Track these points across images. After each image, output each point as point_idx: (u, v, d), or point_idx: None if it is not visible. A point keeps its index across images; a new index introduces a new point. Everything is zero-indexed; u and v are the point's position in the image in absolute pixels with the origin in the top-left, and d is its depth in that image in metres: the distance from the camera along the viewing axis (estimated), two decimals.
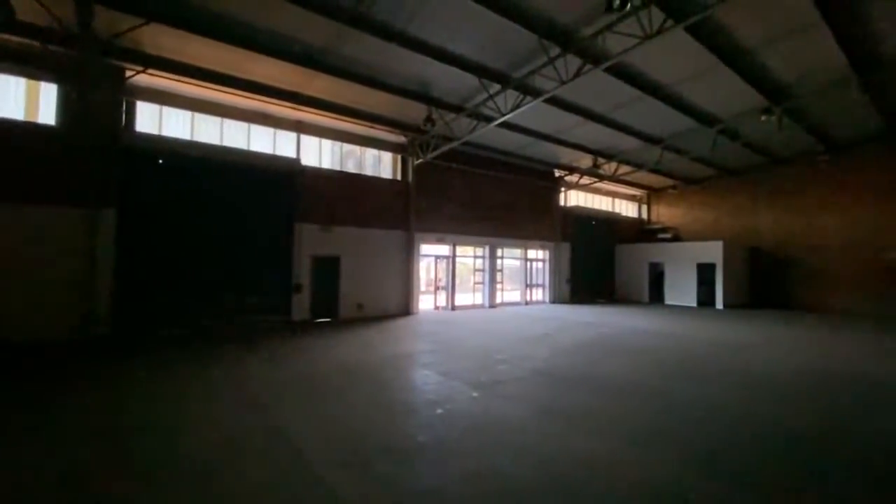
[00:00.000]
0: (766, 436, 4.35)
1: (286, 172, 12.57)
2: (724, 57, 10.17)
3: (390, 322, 12.65)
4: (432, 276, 17.07)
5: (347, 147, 14.32)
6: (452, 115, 12.42)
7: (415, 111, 12.51)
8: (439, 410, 5.03)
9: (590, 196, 22.73)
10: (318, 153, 13.72)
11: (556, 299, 19.56)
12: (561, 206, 20.49)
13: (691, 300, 18.92)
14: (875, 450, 4.08)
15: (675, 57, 10.17)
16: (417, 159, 14.70)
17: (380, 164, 15.08)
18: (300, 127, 13.24)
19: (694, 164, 18.99)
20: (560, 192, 20.43)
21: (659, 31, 7.71)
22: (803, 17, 8.65)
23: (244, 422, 4.56)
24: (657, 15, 7.90)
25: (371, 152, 14.88)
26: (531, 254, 19.49)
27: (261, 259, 12.14)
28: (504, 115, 11.16)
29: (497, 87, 10.91)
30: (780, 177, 19.38)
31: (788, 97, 12.45)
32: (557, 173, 19.97)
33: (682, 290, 19.33)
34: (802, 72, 11.14)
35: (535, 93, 10.80)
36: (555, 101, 12.34)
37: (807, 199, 18.68)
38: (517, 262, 19.43)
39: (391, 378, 6.52)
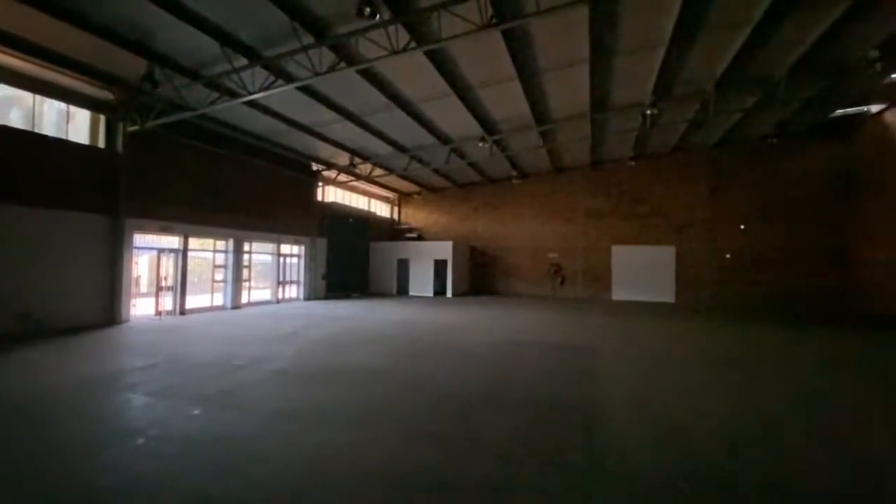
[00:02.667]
0: (459, 398, 5.38)
1: None
2: (455, 87, 12.11)
3: (85, 336, 9.61)
4: (160, 273, 13.91)
5: (9, 91, 10.05)
6: (185, 81, 10.42)
7: (130, 63, 9.85)
8: (140, 440, 4.07)
9: (347, 194, 23.27)
10: None
11: (312, 296, 19.17)
12: (319, 202, 20.20)
13: (429, 291, 21.91)
14: (535, 400, 5.62)
15: (420, 78, 11.46)
16: (133, 125, 11.65)
17: (68, 123, 11.21)
18: None
19: (434, 174, 21.99)
20: (318, 187, 20.10)
21: (403, 49, 8.48)
22: (504, 71, 11.14)
23: None
24: (403, 34, 8.70)
25: (55, 106, 10.90)
26: (285, 249, 18.46)
27: None
28: (252, 93, 10.12)
29: (244, 61, 9.78)
30: (490, 192, 24.61)
31: (497, 131, 15.89)
32: (316, 167, 19.58)
33: (422, 283, 22.13)
34: (504, 114, 14.41)
35: (287, 78, 10.22)
36: (312, 93, 12.03)
37: (505, 211, 24.37)
38: (269, 258, 18.05)
39: (76, 409, 4.91)
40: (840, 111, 16.19)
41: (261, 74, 10.14)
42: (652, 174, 21.21)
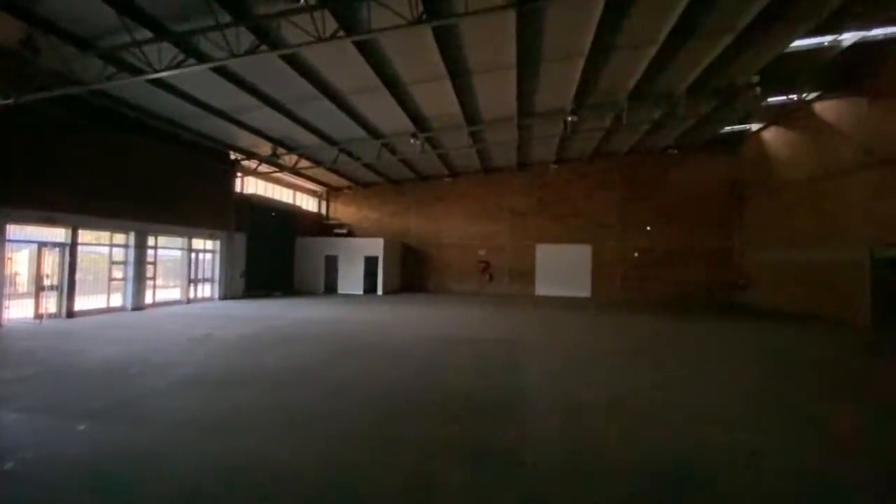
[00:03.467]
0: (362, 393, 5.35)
1: None
2: (386, 82, 11.91)
3: None
4: (41, 271, 12.06)
5: None
6: (74, 51, 9.12)
7: (4, 26, 8.41)
8: (9, 465, 3.51)
9: (270, 186, 21.97)
10: None
11: (229, 295, 17.85)
12: (238, 193, 18.85)
13: (359, 289, 21.43)
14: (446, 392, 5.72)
15: (349, 69, 11.11)
16: (6, 99, 9.95)
17: None
18: None
19: (365, 169, 21.52)
20: (237, 177, 18.74)
21: (331, 38, 8.16)
22: (435, 69, 11.17)
23: None
24: (331, 22, 8.36)
25: None
26: (198, 244, 16.98)
27: None
28: (157, 71, 9.12)
29: (148, 34, 8.78)
30: (423, 190, 24.65)
31: (428, 129, 15.93)
32: (235, 156, 18.21)
33: (352, 280, 21.59)
34: (436, 112, 14.49)
35: (200, 57, 9.37)
36: (230, 76, 11.14)
37: (437, 208, 24.58)
38: (178, 254, 16.49)
39: None
40: (728, 128, 18.46)
41: (169, 51, 9.18)
42: (572, 178, 22.59)
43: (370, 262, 21.61)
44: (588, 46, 10.45)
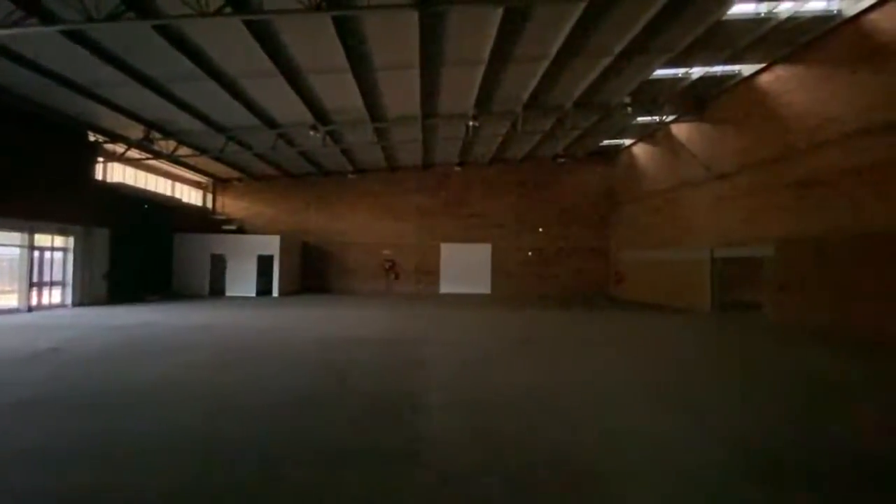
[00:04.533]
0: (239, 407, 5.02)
1: None
2: (282, 68, 11.16)
3: None
4: None
5: None
6: None
7: None
8: None
9: (142, 174, 19.22)
10: None
11: (86, 300, 15.16)
12: (99, 182, 16.15)
13: (251, 290, 19.78)
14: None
15: (239, 51, 10.18)
16: None
17: None
18: None
19: (258, 160, 19.95)
20: (98, 163, 16.04)
21: (215, 13, 7.40)
22: (336, 61, 10.76)
23: None
24: None
25: None
26: (43, 240, 14.15)
27: None
28: None
29: None
30: (325, 185, 23.65)
31: (330, 122, 15.32)
32: (95, 138, 15.55)
33: (243, 281, 19.83)
34: (338, 105, 13.99)
35: (48, 17, 7.83)
36: (90, 44, 9.43)
37: (341, 205, 23.80)
38: (16, 252, 13.59)
39: None
40: (606, 141, 20.78)
41: (5, 7, 7.51)
42: (474, 180, 23.53)
43: (264, 262, 20.07)
44: (488, 55, 10.95)
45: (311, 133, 15.24)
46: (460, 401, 5.29)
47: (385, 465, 3.52)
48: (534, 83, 12.95)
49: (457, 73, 12.34)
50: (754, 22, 10.42)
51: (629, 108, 14.56)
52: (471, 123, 15.07)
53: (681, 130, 16.79)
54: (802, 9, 10.06)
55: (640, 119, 16.88)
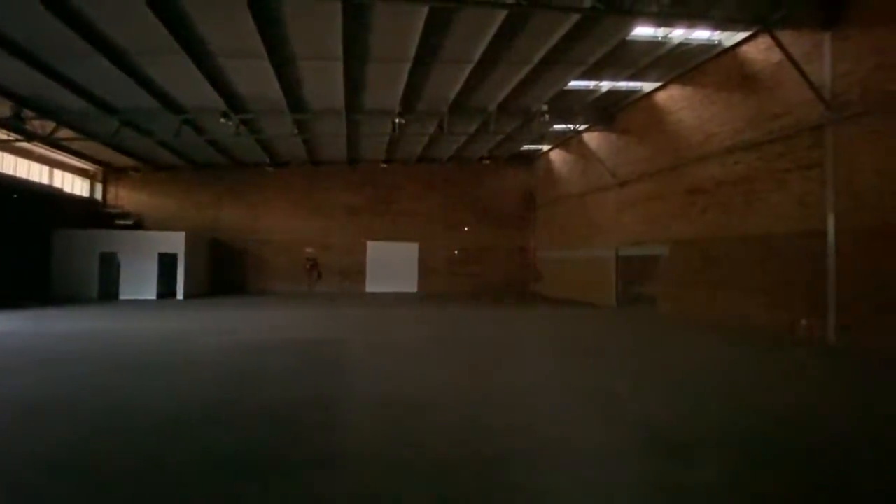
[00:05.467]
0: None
1: None
2: (187, 47, 10.16)
3: None
4: None
5: None
6: None
7: None
8: None
9: (11, 159, 16.40)
10: None
11: None
12: None
13: (151, 293, 17.78)
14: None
15: (133, 23, 9.08)
16: None
17: None
18: None
19: (160, 147, 18.03)
20: None
21: None
22: (251, 44, 10.03)
23: None
24: None
25: None
26: None
27: None
28: None
29: None
30: (239, 178, 22.03)
31: (244, 110, 14.29)
32: None
33: (141, 283, 17.74)
34: (253, 92, 13.10)
35: None
36: None
37: (257, 201, 22.35)
38: None
39: None
40: (527, 146, 21.82)
41: None
42: (402, 178, 23.41)
43: (167, 261, 18.15)
44: (413, 53, 10.94)
45: (223, 121, 14.09)
46: (375, 405, 5.22)
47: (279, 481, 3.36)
48: (459, 85, 13.18)
49: (383, 70, 12.17)
50: (653, 44, 11.58)
51: (547, 116, 15.42)
52: (397, 121, 14.96)
53: (592, 139, 18.15)
54: (691, 37, 11.39)
55: (556, 126, 17.96)
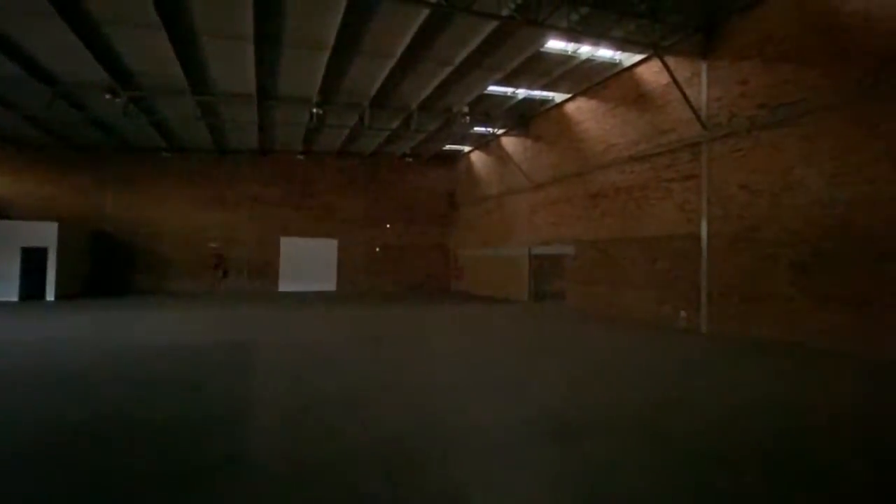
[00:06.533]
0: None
1: None
2: (62, 9, 8.78)
3: None
4: None
5: None
6: None
7: None
8: None
9: None
10: None
11: None
12: None
13: (12, 293, 15.11)
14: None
15: None
16: None
17: None
18: None
19: (28, 124, 15.38)
20: None
21: None
22: (142, 12, 8.96)
23: None
24: None
25: None
26: None
27: None
28: None
29: None
30: (129, 163, 19.59)
31: (136, 87, 12.72)
32: None
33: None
34: (146, 68, 11.72)
35: None
36: None
37: (151, 189, 20.05)
38: None
39: None
40: (448, 146, 22.18)
41: None
42: (321, 171, 22.48)
43: (34, 256, 15.54)
44: (332, 42, 10.55)
45: (108, 97, 12.41)
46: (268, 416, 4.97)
47: None
48: (380, 80, 12.99)
49: (299, 56, 11.57)
50: (563, 58, 12.41)
51: (467, 118, 15.82)
52: (315, 111, 14.34)
53: (509, 143, 18.98)
54: (596, 54, 12.40)
55: (477, 129, 18.50)
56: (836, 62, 7.93)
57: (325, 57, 11.36)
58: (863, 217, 7.51)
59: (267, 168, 21.58)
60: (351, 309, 15.09)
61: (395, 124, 17.14)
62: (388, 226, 23.69)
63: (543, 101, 16.02)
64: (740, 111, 9.56)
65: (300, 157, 21.47)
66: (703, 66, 10.36)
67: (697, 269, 10.26)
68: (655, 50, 10.25)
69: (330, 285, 22.47)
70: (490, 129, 18.49)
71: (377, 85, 13.37)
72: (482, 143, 20.95)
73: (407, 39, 10.63)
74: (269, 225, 21.65)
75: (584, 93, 14.40)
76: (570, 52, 12.18)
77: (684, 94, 10.24)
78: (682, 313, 10.63)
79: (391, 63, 11.88)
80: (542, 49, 11.54)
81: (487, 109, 16.30)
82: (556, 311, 14.66)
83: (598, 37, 10.17)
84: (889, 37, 7.25)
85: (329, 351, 8.06)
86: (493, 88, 14.40)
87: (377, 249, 23.51)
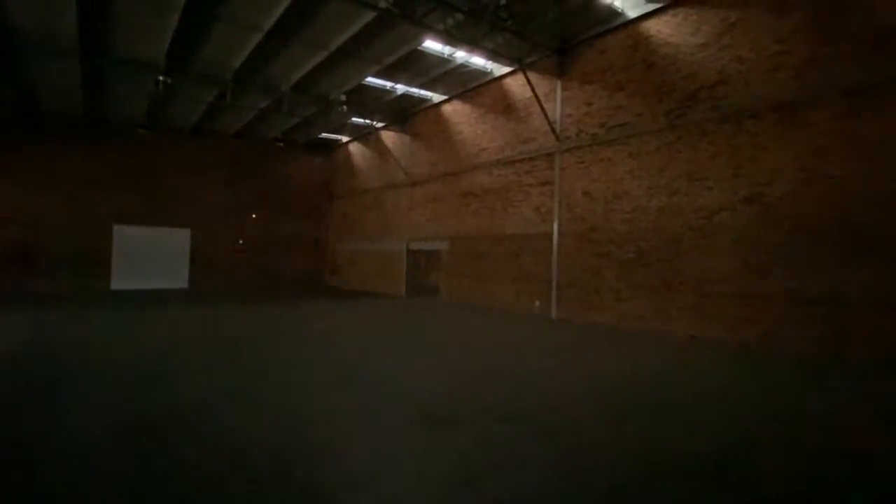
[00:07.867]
0: None
1: None
2: None
3: None
4: None
5: None
6: None
7: None
8: None
9: None
10: None
11: None
12: None
13: None
14: None
15: None
16: None
17: None
18: None
19: None
20: None
21: None
22: None
23: None
24: None
25: None
26: None
27: None
28: None
29: None
30: None
31: None
32: None
33: None
34: None
35: None
36: None
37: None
38: None
39: None
40: (325, 134, 21.21)
41: None
42: (170, 150, 19.48)
43: None
44: (182, 2, 9.21)
45: None
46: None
47: None
48: (245, 53, 11.77)
49: (141, 12, 9.83)
50: (441, 60, 12.82)
51: (345, 107, 15.31)
52: (162, 79, 12.38)
53: (389, 137, 18.94)
54: (470, 61, 13.08)
55: (355, 119, 18.03)
56: (654, 95, 9.68)
57: (174, 17, 9.86)
58: (668, 222, 9.32)
59: (98, 142, 17.88)
60: (195, 309, 13.45)
61: (263, 104, 15.75)
62: (253, 216, 21.66)
63: (423, 100, 16.35)
64: (585, 128, 11.04)
65: (142, 131, 18.33)
66: (559, 85, 11.70)
67: (549, 264, 11.59)
68: (520, 64, 11.23)
69: (181, 282, 19.69)
70: (369, 122, 18.19)
71: (241, 58, 12.09)
72: (362, 134, 20.51)
73: (276, 14, 9.83)
74: (100, 210, 18.01)
75: (459, 96, 15.09)
76: (446, 55, 12.64)
77: (542, 108, 11.44)
78: (537, 303, 11.91)
79: (257, 37, 10.86)
80: (420, 48, 11.75)
81: (366, 101, 16.02)
82: (430, 303, 15.14)
83: (471, 44, 10.72)
84: (689, 79, 9.10)
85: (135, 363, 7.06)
86: (372, 80, 14.21)
87: (240, 242, 21.34)
